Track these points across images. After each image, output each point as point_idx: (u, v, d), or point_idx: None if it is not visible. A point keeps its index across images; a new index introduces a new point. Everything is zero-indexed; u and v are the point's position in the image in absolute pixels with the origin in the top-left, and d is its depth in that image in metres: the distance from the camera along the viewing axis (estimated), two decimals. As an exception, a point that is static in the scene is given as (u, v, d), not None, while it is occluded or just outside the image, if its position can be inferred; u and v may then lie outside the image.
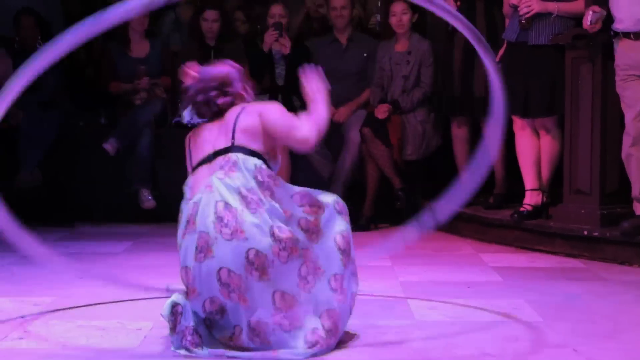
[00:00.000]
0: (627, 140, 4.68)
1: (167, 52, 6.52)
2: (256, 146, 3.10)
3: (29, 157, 5.90)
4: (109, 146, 6.04)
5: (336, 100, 6.25)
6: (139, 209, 6.07)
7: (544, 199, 5.22)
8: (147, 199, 6.05)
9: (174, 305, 3.02)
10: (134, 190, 6.08)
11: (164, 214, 6.10)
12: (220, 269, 2.95)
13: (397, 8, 6.03)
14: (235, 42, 6.55)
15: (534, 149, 5.24)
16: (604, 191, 4.91)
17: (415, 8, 6.11)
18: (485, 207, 5.61)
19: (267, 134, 3.13)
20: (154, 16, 6.53)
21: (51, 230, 5.80)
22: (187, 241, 3.02)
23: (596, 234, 4.80)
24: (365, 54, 6.31)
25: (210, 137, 3.15)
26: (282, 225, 2.98)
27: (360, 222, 5.79)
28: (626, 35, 4.65)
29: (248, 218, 2.94)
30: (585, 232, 4.84)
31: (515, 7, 5.18)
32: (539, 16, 5.11)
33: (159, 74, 6.36)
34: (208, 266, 2.95)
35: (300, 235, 3.02)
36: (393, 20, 6.05)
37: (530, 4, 5.10)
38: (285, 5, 6.44)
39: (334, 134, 6.22)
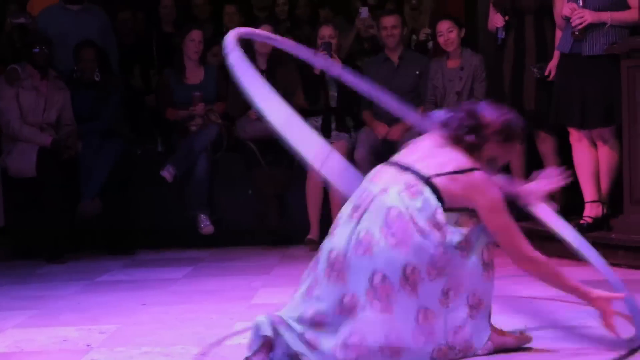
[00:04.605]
0: None
1: (223, 78, 6.59)
2: (448, 202, 3.00)
3: (89, 187, 6.01)
4: (167, 173, 6.13)
5: (389, 118, 6.27)
6: (198, 234, 6.15)
7: (604, 210, 5.16)
8: (206, 224, 6.13)
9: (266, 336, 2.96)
10: (193, 215, 6.16)
11: (223, 238, 6.19)
12: (375, 271, 2.93)
13: (443, 27, 6.05)
14: (288, 65, 6.60)
15: (592, 160, 5.19)
16: (666, 200, 4.84)
17: (460, 24, 6.12)
18: (545, 220, 5.55)
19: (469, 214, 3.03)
20: (207, 43, 6.61)
21: (113, 258, 5.91)
22: (346, 225, 3.00)
23: (659, 244, 4.73)
24: (417, 72, 6.32)
25: (421, 150, 3.11)
26: (440, 249, 2.97)
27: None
28: None
29: (415, 235, 2.94)
30: (648, 243, 4.77)
31: (567, 19, 5.14)
32: (592, 27, 5.06)
33: (214, 100, 6.44)
34: (364, 262, 2.94)
35: (455, 255, 3.00)
36: (441, 40, 6.07)
37: (583, 14, 5.05)
38: (334, 26, 6.48)
39: (388, 153, 6.23)
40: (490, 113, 3.11)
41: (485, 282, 3.07)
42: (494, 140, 3.10)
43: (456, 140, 3.07)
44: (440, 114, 3.16)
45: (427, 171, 3.03)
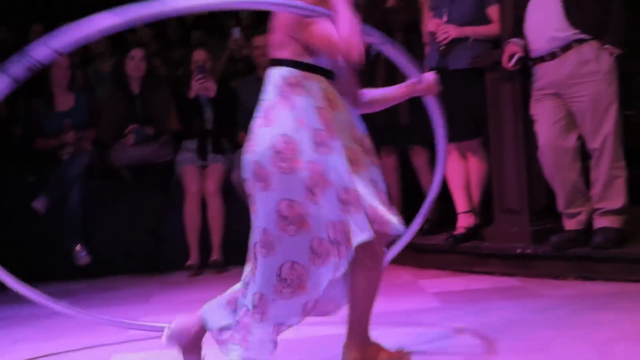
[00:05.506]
0: (545, 159, 4.70)
1: (93, 104, 6.46)
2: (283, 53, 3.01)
3: (-43, 222, 5.80)
4: (39, 204, 5.96)
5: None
6: (74, 266, 5.98)
7: (477, 220, 5.28)
8: (81, 255, 5.98)
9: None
10: (67, 246, 6.00)
11: (100, 268, 6.04)
12: (254, 154, 3.00)
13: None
14: (161, 89, 6.52)
15: (463, 172, 5.31)
16: (533, 208, 4.98)
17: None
18: (421, 233, 5.64)
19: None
20: (75, 70, 6.49)
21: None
22: None
23: (529, 251, 4.86)
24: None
25: None
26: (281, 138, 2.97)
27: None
28: (541, 59, 4.71)
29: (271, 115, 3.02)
30: (518, 250, 4.90)
31: (433, 34, 5.26)
32: (456, 41, 5.19)
33: (85, 127, 6.31)
34: (247, 156, 3.03)
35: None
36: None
37: (447, 30, 5.18)
38: (208, 49, 6.45)
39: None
40: None
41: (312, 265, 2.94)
42: None
43: None
44: None
45: None
